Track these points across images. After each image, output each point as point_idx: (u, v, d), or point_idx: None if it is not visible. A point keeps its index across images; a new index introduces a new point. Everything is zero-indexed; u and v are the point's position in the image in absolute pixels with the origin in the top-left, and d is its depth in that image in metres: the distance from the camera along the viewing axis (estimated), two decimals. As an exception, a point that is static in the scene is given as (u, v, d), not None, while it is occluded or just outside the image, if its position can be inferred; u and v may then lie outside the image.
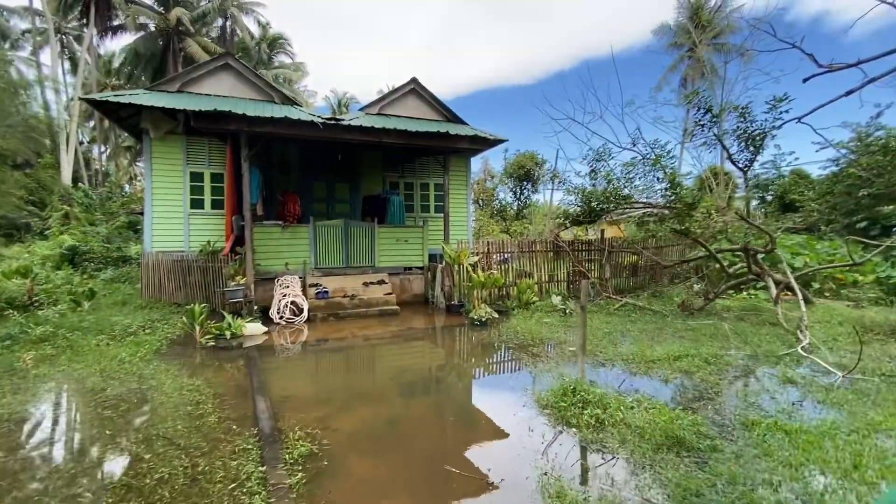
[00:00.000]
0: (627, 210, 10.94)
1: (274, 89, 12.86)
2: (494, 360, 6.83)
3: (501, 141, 12.81)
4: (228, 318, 7.24)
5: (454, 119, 14.43)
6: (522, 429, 4.15)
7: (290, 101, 13.03)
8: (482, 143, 10.62)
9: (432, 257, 11.55)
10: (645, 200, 10.26)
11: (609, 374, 5.62)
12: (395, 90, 13.65)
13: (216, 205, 11.71)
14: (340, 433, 4.11)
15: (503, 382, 5.64)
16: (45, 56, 29.10)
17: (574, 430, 4.05)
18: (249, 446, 3.77)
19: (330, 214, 13.04)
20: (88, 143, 39.14)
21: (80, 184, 24.28)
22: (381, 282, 10.24)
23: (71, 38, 32.47)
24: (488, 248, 10.32)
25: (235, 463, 3.49)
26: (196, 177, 11.60)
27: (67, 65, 33.62)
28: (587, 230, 22.25)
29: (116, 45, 54.36)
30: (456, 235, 13.06)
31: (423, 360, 6.93)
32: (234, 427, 4.14)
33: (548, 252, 10.86)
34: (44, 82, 29.47)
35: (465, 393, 5.47)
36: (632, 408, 4.38)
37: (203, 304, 7.62)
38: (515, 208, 28.81)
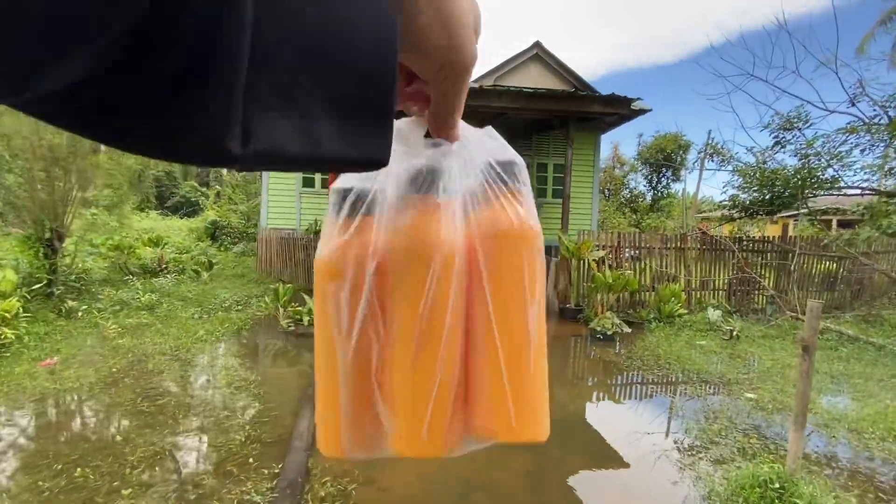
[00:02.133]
0: (828, 196, 7.79)
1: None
2: (628, 396, 4.91)
3: (644, 111, 10.33)
4: (309, 301, 6.50)
5: (586, 90, 12.20)
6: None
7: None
8: (620, 107, 8.40)
9: (545, 250, 9.74)
10: (865, 185, 7.08)
11: (830, 454, 3.38)
12: (514, 57, 11.94)
13: (326, 183, 11.43)
14: (387, 494, 2.76)
15: (647, 442, 3.69)
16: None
17: (797, 587, 2.11)
18: (257, 501, 2.63)
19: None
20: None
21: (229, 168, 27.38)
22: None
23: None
24: (619, 242, 8.15)
25: (224, 529, 2.36)
26: (308, 154, 11.43)
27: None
28: (738, 227, 17.87)
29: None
30: (577, 225, 11.00)
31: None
32: (252, 460, 3.06)
33: (704, 250, 8.25)
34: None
35: (586, 455, 3.70)
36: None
37: (289, 285, 7.03)
38: (649, 199, 24.96)
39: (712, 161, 10.39)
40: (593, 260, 7.38)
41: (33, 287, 6.23)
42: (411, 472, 3.00)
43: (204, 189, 26.48)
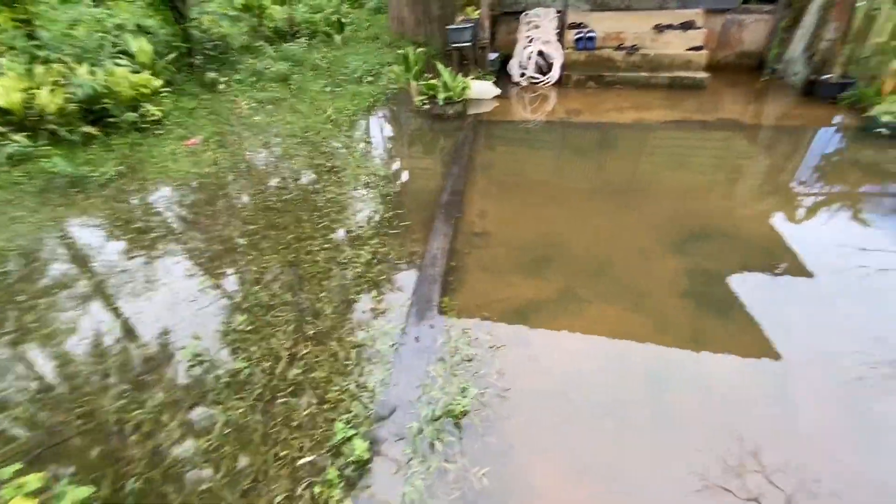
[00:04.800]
0: None
1: None
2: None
3: None
4: (445, 73, 5.10)
5: None
6: None
7: None
8: None
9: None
10: None
11: None
12: None
13: None
14: (539, 368, 1.98)
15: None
16: None
17: None
18: (359, 387, 2.08)
19: None
20: None
21: None
22: (686, 25, 5.99)
23: None
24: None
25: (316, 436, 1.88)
26: None
27: None
28: None
29: None
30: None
31: (745, 216, 3.63)
32: (375, 292, 2.46)
33: None
34: None
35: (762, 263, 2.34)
36: None
37: (420, 50, 5.59)
38: None
39: None
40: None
41: (171, 56, 5.94)
42: (575, 346, 2.13)
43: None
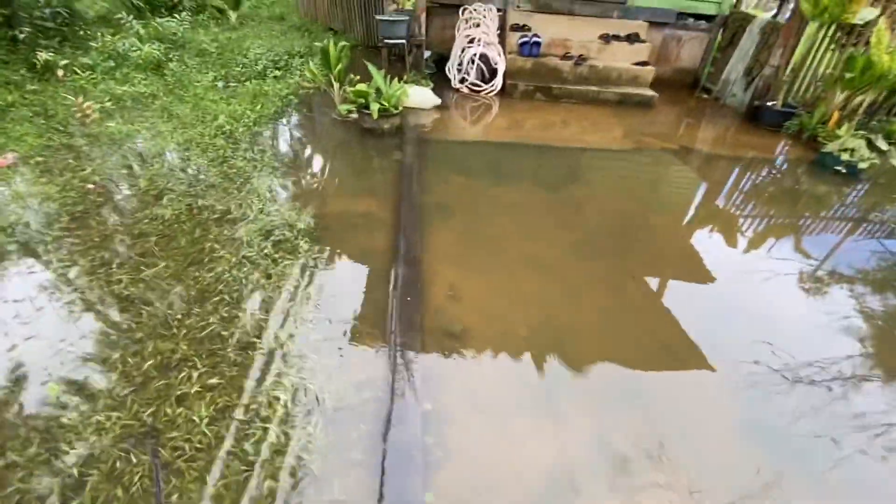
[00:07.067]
0: None
1: None
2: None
3: None
4: (378, 77, 3.94)
5: None
6: None
7: None
8: None
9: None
10: None
11: None
12: None
13: None
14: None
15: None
16: None
17: None
18: None
19: None
20: None
21: None
22: (632, 37, 5.45)
23: None
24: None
25: None
26: None
27: None
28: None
29: None
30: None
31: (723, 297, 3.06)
32: (305, 481, 1.38)
33: None
34: None
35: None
36: None
37: (343, 44, 4.32)
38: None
39: None
40: (886, 28, 3.88)
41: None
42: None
43: None
